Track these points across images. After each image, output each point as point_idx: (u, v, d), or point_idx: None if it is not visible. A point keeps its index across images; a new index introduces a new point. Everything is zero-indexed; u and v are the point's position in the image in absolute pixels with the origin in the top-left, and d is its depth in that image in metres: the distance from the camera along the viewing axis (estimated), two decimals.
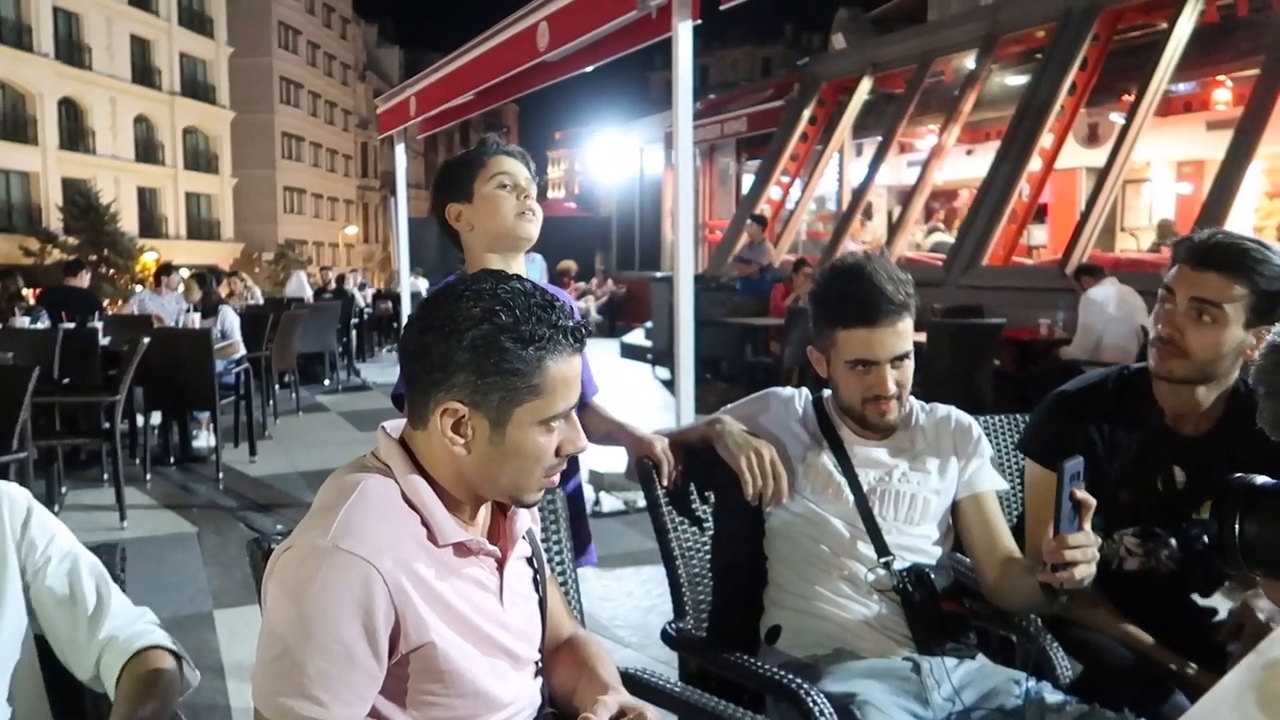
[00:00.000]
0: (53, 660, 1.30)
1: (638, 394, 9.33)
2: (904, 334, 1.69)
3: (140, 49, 35.55)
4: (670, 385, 9.26)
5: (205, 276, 7.42)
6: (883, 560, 1.67)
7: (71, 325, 6.41)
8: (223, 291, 11.02)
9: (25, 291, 8.94)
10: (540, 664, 1.29)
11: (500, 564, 1.22)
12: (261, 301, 11.62)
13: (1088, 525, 1.40)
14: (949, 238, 10.54)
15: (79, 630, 1.27)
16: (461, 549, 1.17)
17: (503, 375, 1.10)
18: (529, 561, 1.31)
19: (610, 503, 5.14)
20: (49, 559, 1.27)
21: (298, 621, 1.04)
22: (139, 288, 20.00)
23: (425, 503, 1.14)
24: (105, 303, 17.08)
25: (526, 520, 1.29)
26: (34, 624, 1.28)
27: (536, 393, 1.12)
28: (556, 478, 1.21)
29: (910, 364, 1.72)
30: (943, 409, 1.84)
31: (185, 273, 9.01)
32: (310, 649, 1.03)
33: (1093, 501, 1.39)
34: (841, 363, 1.72)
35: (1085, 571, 1.39)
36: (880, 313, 1.66)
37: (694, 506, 1.85)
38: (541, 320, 1.11)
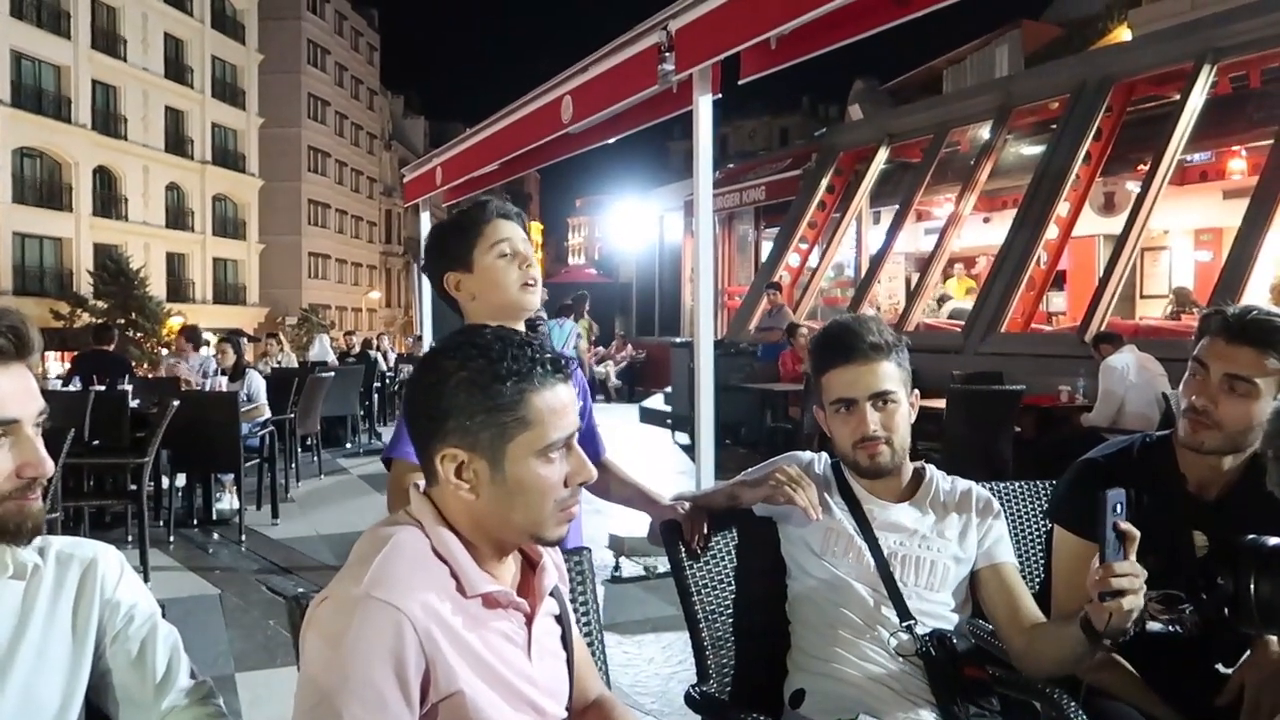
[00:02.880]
0: None
1: (657, 459, 9.33)
2: (883, 374, 1.73)
3: (174, 119, 36.66)
4: (689, 450, 9.27)
5: (237, 341, 7.54)
6: (905, 624, 1.69)
7: (102, 388, 6.52)
8: (257, 351, 11.24)
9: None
10: None
11: (529, 619, 1.25)
12: (296, 364, 11.76)
13: (1133, 555, 1.41)
14: (965, 305, 10.59)
15: (146, 694, 1.29)
16: (490, 601, 1.20)
17: (489, 413, 1.16)
18: (557, 620, 1.33)
19: (630, 568, 5.13)
20: (131, 620, 1.31)
21: (334, 669, 1.07)
22: (165, 351, 20.29)
23: (454, 554, 1.19)
24: (132, 364, 17.34)
25: (554, 577, 1.32)
26: (96, 692, 1.30)
27: (525, 425, 1.17)
28: (576, 509, 1.24)
29: (896, 408, 1.74)
30: (964, 482, 1.87)
31: (213, 337, 9.17)
32: (346, 696, 1.06)
33: (1136, 532, 1.41)
34: (830, 408, 1.78)
35: (1133, 602, 1.41)
36: (855, 351, 1.73)
37: (717, 570, 1.87)
38: (517, 356, 1.17)
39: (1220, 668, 1.85)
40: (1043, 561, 2.14)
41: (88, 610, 1.29)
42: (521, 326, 1.86)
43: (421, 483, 1.26)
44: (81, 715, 1.27)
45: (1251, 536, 1.26)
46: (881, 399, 1.73)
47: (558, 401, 1.20)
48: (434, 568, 1.17)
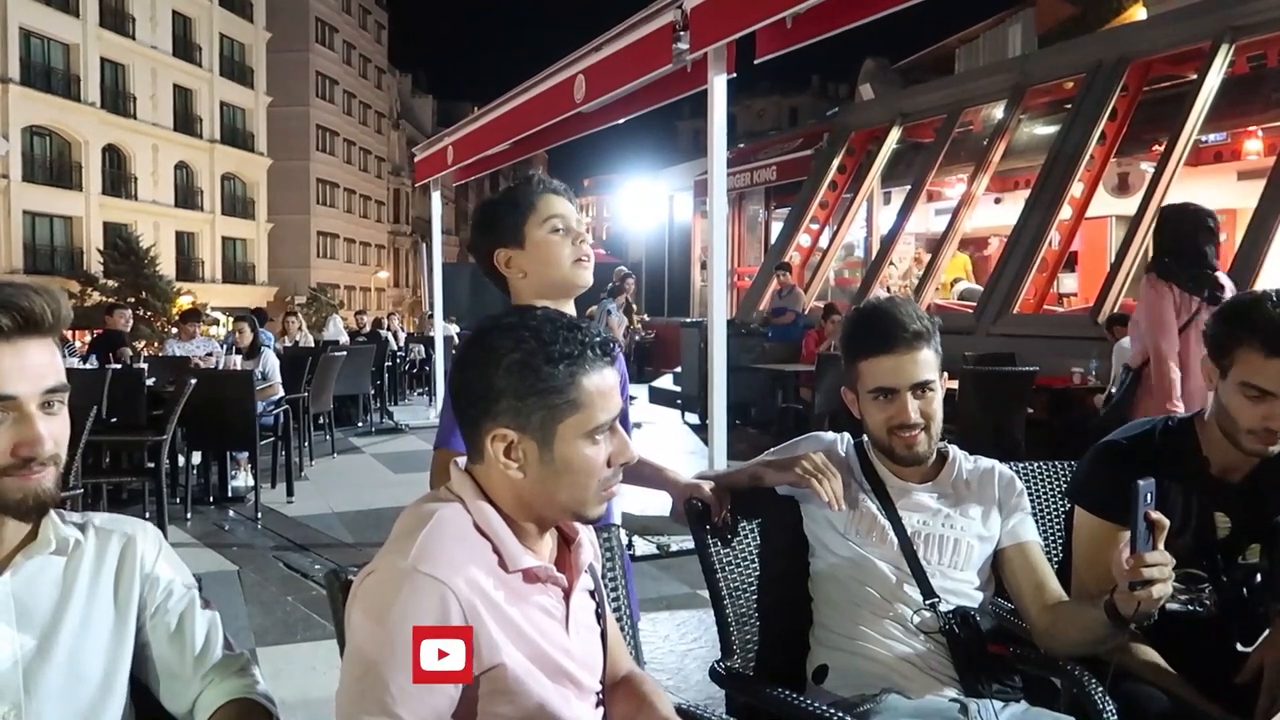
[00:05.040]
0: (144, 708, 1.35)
1: (668, 439, 9.36)
2: (924, 363, 1.73)
3: (183, 98, 36.62)
4: (699, 430, 9.29)
5: (252, 319, 7.58)
6: (929, 602, 1.71)
7: (118, 366, 6.57)
8: (276, 329, 11.29)
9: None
10: (601, 695, 1.33)
11: (566, 593, 1.27)
12: (312, 343, 11.82)
13: (1161, 544, 1.43)
14: (977, 286, 10.55)
15: (185, 666, 1.31)
16: (530, 575, 1.23)
17: (540, 395, 1.18)
18: (591, 595, 1.36)
19: (644, 547, 5.16)
20: (170, 594, 1.33)
21: (381, 641, 1.10)
22: (174, 330, 20.41)
23: (495, 530, 1.21)
24: (142, 345, 17.45)
25: (590, 553, 1.34)
26: (137, 665, 1.32)
27: (575, 407, 1.19)
28: (616, 488, 1.26)
29: (934, 395, 1.75)
30: (987, 461, 1.88)
31: (221, 317, 9.22)
32: (393, 667, 1.09)
33: (1166, 521, 1.42)
34: (866, 395, 1.77)
35: (1163, 591, 1.42)
36: (897, 340, 1.72)
37: (741, 548, 1.89)
38: (569, 339, 1.19)
39: (1239, 647, 1.87)
40: (1062, 541, 2.15)
41: (128, 585, 1.31)
42: (571, 307, 1.83)
43: (462, 460, 1.28)
44: (126, 688, 1.30)
45: None
46: (922, 388, 1.73)
47: (606, 384, 1.22)
48: (476, 543, 1.19)
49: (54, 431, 1.20)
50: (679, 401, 11.29)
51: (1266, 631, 1.75)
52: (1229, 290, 3.81)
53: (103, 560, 1.31)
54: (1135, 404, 4.04)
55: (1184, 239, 3.86)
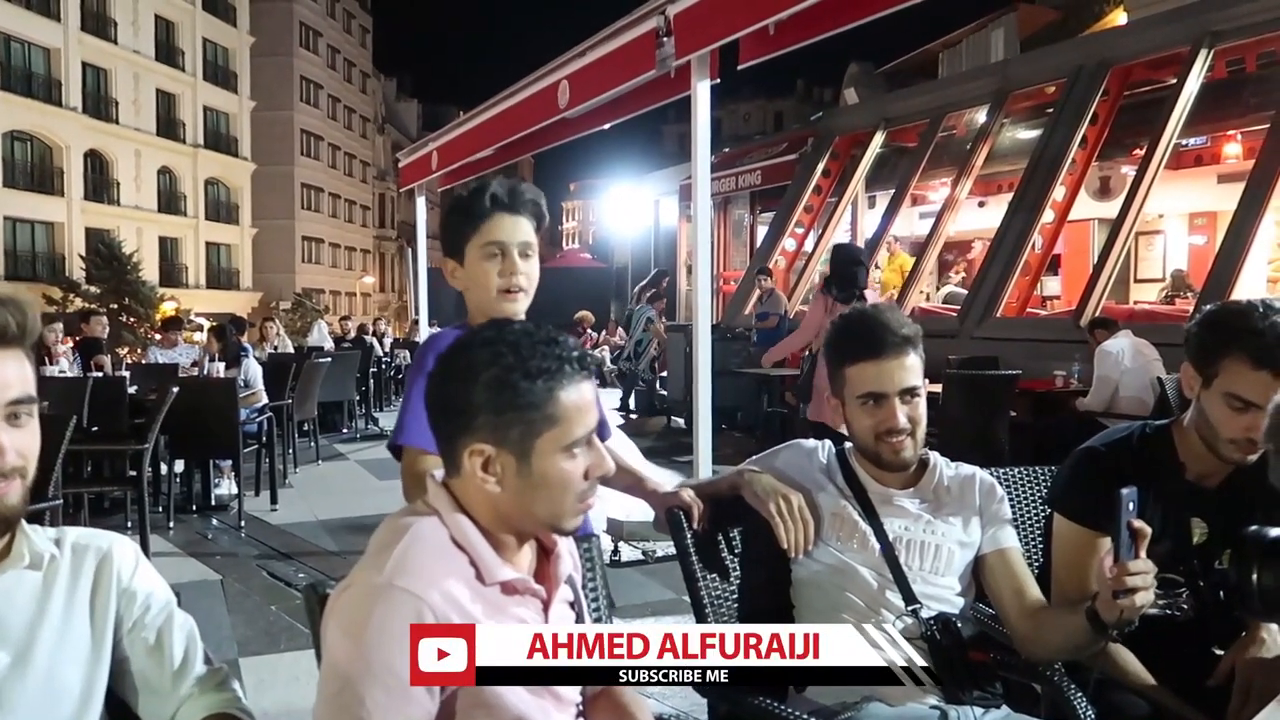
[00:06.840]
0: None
1: (652, 443, 9.35)
2: (911, 369, 1.75)
3: (166, 103, 36.40)
4: (684, 435, 9.29)
5: (225, 328, 7.54)
6: (910, 608, 1.71)
7: (99, 374, 6.52)
8: (255, 335, 11.21)
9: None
10: (581, 706, 1.33)
11: (545, 605, 1.27)
12: (291, 349, 11.74)
13: (1144, 552, 1.43)
14: (962, 290, 10.60)
15: (164, 681, 1.31)
16: (508, 588, 1.23)
17: (518, 410, 1.18)
18: (571, 606, 1.36)
19: (629, 553, 5.16)
20: (147, 608, 1.32)
21: (357, 656, 1.10)
22: (157, 337, 20.25)
23: (472, 543, 1.21)
24: (125, 351, 17.36)
25: (569, 564, 1.34)
26: (115, 680, 1.31)
27: (552, 421, 1.19)
28: (593, 500, 1.26)
29: (921, 401, 1.76)
30: (968, 468, 1.88)
31: (205, 323, 9.17)
32: (369, 682, 1.09)
33: (1148, 530, 1.43)
34: (853, 400, 1.77)
35: (1145, 598, 1.43)
36: (885, 345, 1.73)
37: (722, 556, 1.89)
38: (546, 354, 1.19)
39: (1216, 650, 1.88)
40: (1042, 547, 2.16)
41: (105, 599, 1.30)
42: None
43: (438, 473, 1.27)
44: (104, 703, 1.29)
45: (1254, 528, 1.29)
46: (909, 393, 1.74)
47: (583, 399, 1.22)
48: (453, 556, 1.19)
49: (18, 444, 1.19)
50: (665, 406, 11.28)
51: (1242, 634, 1.76)
52: (870, 301, 5.06)
53: (79, 575, 1.30)
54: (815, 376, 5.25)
55: (841, 267, 5.37)
